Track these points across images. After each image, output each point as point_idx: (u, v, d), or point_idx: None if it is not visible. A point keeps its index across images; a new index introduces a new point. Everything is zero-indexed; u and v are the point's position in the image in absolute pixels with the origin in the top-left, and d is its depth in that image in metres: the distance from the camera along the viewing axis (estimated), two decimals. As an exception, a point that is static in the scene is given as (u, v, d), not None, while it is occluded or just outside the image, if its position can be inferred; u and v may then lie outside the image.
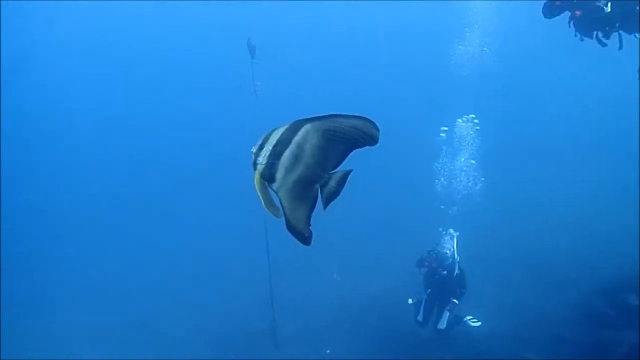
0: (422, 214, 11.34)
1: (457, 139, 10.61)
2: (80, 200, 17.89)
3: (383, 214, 13.99)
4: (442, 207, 9.92)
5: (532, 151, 16.20)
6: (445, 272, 7.48)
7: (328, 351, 8.76)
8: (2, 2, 19.98)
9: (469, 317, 7.84)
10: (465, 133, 10.54)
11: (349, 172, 1.96)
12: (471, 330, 7.85)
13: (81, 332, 10.51)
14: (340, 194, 1.97)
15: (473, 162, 10.64)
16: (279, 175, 1.89)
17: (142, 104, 22.45)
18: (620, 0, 4.86)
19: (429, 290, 7.68)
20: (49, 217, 17.01)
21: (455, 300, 7.53)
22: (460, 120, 10.55)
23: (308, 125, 1.87)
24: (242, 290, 11.23)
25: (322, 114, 1.89)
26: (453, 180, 10.64)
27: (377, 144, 1.92)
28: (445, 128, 10.85)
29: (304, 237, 1.93)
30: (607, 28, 4.96)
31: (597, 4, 4.87)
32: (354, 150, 1.95)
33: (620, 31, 5.03)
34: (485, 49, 13.56)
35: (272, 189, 1.93)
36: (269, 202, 1.94)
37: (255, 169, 1.91)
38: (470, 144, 10.58)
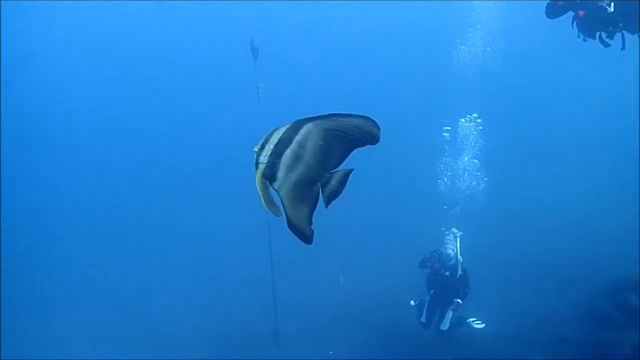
0: (424, 213, 11.34)
1: (460, 139, 10.59)
2: (80, 200, 17.92)
3: (385, 214, 14.00)
4: (445, 207, 9.89)
5: (534, 151, 16.21)
6: (448, 273, 7.46)
7: (331, 352, 8.72)
8: (2, 2, 19.98)
9: (472, 319, 7.81)
10: (468, 133, 10.52)
11: (350, 171, 1.97)
12: (474, 331, 7.83)
13: (81, 332, 10.50)
14: (342, 193, 1.97)
15: (476, 161, 10.61)
16: (280, 174, 1.89)
17: (143, 104, 22.48)
18: (623, 0, 4.83)
19: (432, 291, 7.67)
20: (49, 217, 17.01)
21: (458, 300, 7.50)
22: (463, 120, 10.54)
23: (309, 124, 1.88)
24: (242, 290, 11.23)
25: (323, 114, 1.89)
26: (456, 180, 10.62)
27: (379, 143, 1.93)
28: (448, 128, 10.85)
29: (306, 236, 1.94)
30: (610, 28, 4.93)
31: (600, 4, 4.84)
32: (356, 150, 1.95)
33: (624, 31, 5.00)
34: (488, 48, 13.57)
35: (273, 188, 1.93)
36: (269, 201, 1.94)
37: (257, 168, 1.91)
38: (473, 143, 10.56)
